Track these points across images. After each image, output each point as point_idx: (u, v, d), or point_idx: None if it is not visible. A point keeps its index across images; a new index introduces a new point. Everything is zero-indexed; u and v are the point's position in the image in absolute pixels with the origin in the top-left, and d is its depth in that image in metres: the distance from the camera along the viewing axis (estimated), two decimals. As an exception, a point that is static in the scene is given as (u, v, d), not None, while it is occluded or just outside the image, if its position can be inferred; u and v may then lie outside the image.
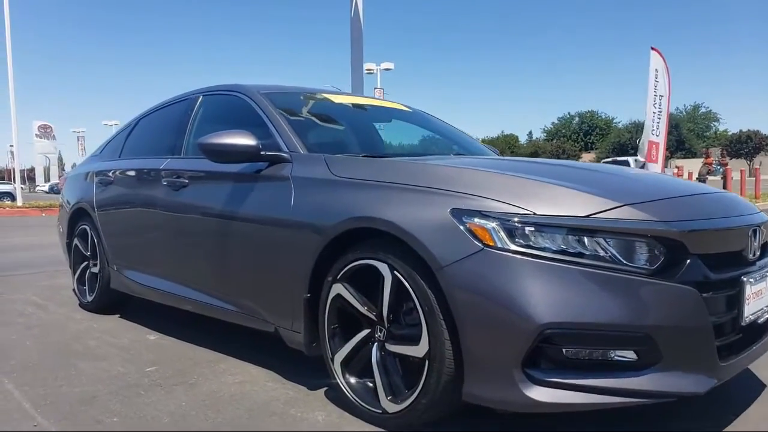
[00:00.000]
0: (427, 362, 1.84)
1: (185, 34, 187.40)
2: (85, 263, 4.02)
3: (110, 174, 3.71)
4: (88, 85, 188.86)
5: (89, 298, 3.91)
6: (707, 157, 17.87)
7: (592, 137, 73.90)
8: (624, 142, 56.73)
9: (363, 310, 2.08)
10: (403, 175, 2.07)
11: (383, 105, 3.32)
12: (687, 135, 62.82)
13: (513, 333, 1.65)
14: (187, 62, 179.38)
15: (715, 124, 75.19)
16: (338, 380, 2.15)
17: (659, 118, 11.58)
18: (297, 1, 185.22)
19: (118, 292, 3.74)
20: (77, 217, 4.06)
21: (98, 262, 3.80)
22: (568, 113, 79.09)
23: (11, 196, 26.01)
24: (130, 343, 3.19)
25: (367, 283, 2.07)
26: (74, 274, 4.12)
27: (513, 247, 1.70)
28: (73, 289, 4.25)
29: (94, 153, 4.34)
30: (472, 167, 2.10)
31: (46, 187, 51.58)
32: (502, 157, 3.05)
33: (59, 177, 66.63)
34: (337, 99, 3.16)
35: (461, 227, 1.77)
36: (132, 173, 3.52)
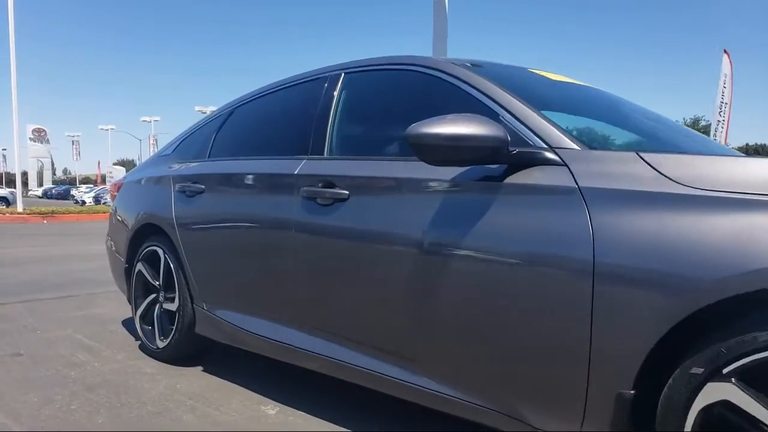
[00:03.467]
0: None
1: (186, 43, 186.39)
2: (153, 296, 3.07)
3: (199, 180, 2.77)
4: (83, 89, 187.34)
5: (160, 344, 2.96)
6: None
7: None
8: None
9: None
10: None
11: (593, 87, 2.40)
12: (689, 148, 62.48)
13: None
14: (188, 70, 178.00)
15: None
16: None
17: (722, 127, 10.82)
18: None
19: (203, 337, 2.80)
20: (143, 235, 3.12)
21: (177, 296, 2.85)
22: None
23: (6, 201, 24.89)
24: (246, 420, 2.25)
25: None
26: (136, 310, 3.17)
27: None
28: (134, 326, 3.30)
29: (163, 152, 3.39)
30: None
31: (39, 192, 50.23)
32: None
33: (52, 181, 65.35)
34: (552, 77, 2.25)
35: None
36: (239, 180, 2.59)
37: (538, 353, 1.51)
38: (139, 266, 3.13)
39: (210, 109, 48.75)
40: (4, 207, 22.47)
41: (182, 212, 2.81)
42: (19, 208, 17.23)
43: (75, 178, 76.85)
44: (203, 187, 2.72)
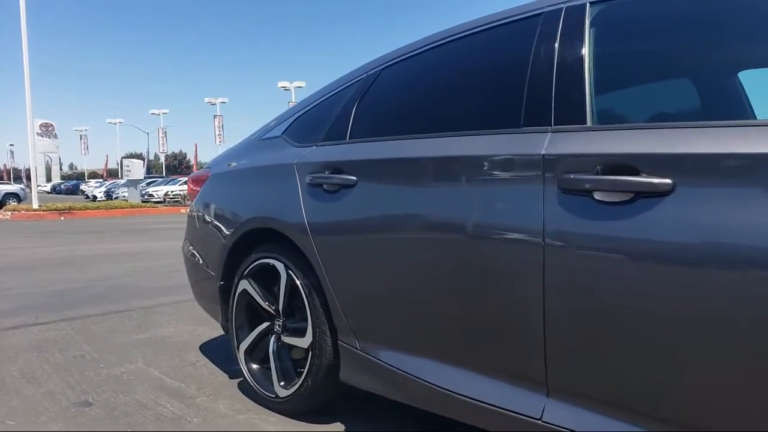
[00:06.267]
0: None
1: (194, 37, 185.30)
2: (266, 325, 2.29)
3: (347, 169, 1.97)
4: (90, 84, 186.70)
5: (281, 392, 2.18)
6: None
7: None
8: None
9: None
10: None
11: None
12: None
13: None
14: (196, 64, 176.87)
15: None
16: None
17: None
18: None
19: (346, 386, 2.03)
20: (249, 243, 2.33)
21: (309, 328, 2.07)
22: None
23: (17, 198, 24.19)
24: None
25: None
26: (239, 343, 2.38)
27: None
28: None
29: (265, 134, 2.58)
30: None
31: (47, 187, 49.56)
32: None
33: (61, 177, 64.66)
34: None
35: None
36: (426, 168, 1.77)
37: None
38: (244, 284, 2.34)
39: (220, 101, 47.42)
40: (16, 203, 21.78)
41: (320, 213, 2.02)
42: (35, 204, 16.48)
43: (83, 173, 76.19)
44: (354, 179, 1.93)
